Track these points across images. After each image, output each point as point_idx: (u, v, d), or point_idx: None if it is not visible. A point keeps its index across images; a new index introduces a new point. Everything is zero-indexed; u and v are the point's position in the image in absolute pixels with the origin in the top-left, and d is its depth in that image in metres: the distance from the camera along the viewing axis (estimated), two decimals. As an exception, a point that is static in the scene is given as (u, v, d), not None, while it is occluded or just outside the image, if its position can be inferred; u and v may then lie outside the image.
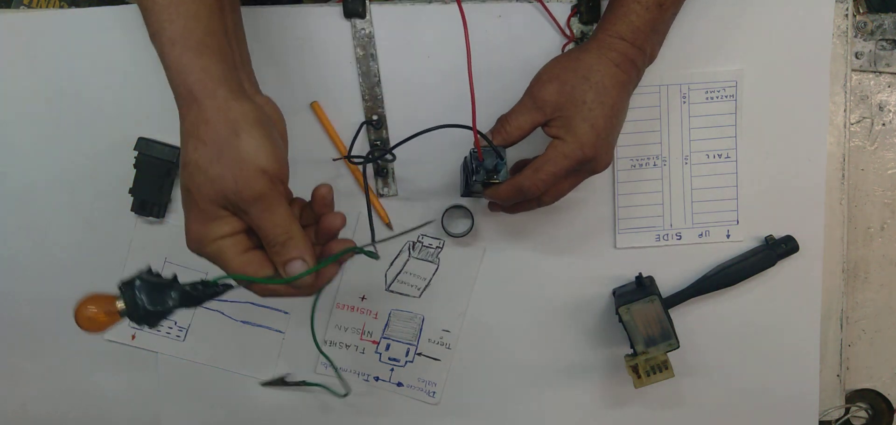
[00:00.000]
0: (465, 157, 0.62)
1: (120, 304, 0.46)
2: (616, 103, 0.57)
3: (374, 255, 0.52)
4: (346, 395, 0.73)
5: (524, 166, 0.59)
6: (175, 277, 0.48)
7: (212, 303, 0.72)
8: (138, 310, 0.46)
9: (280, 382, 0.73)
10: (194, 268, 0.72)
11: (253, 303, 0.73)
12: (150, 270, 0.48)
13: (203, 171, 0.44)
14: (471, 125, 0.57)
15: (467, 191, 0.63)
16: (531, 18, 0.68)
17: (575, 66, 0.57)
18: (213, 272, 0.48)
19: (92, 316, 0.47)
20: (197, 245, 0.46)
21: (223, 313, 0.73)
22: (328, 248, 0.50)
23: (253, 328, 0.73)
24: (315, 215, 0.51)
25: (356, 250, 0.50)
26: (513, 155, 0.63)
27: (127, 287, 0.47)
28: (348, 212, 0.71)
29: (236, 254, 0.46)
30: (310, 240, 0.48)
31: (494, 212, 0.68)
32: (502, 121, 0.59)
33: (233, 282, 0.48)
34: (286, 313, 0.73)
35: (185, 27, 0.45)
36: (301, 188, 0.70)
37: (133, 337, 0.73)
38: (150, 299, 0.46)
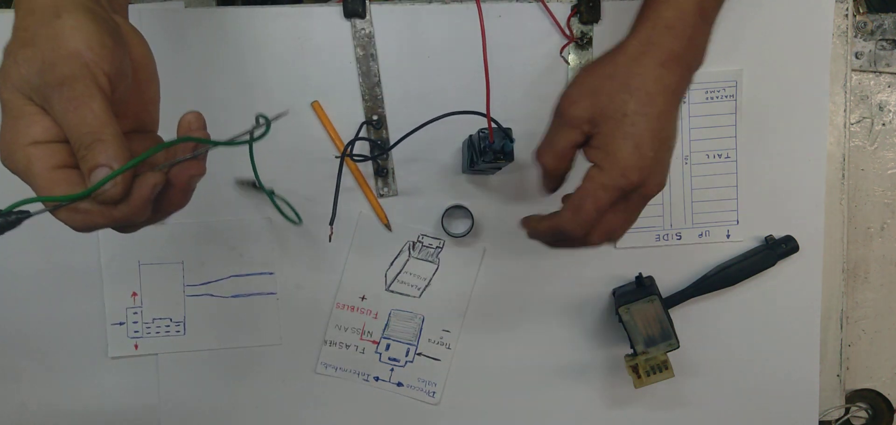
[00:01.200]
0: (471, 135, 0.63)
1: None
2: (664, 112, 0.47)
3: (237, 143, 0.40)
4: (300, 223, 0.70)
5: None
6: None
7: (199, 289, 0.72)
8: None
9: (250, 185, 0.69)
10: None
11: (236, 276, 0.72)
12: None
13: (13, 56, 0.38)
14: (475, 111, 0.58)
15: (470, 169, 0.64)
16: (531, 18, 0.68)
17: (611, 72, 0.47)
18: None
19: None
20: (6, 153, 0.39)
21: (211, 294, 0.72)
22: (174, 175, 0.40)
23: (244, 299, 0.72)
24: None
25: (173, 144, 0.39)
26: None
27: None
28: (348, 212, 0.71)
29: (47, 167, 0.38)
30: (129, 150, 0.38)
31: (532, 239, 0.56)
32: (541, 155, 0.51)
33: (29, 209, 0.39)
34: (271, 273, 0.72)
35: None
36: (299, 185, 0.70)
37: (136, 346, 0.73)
38: None
